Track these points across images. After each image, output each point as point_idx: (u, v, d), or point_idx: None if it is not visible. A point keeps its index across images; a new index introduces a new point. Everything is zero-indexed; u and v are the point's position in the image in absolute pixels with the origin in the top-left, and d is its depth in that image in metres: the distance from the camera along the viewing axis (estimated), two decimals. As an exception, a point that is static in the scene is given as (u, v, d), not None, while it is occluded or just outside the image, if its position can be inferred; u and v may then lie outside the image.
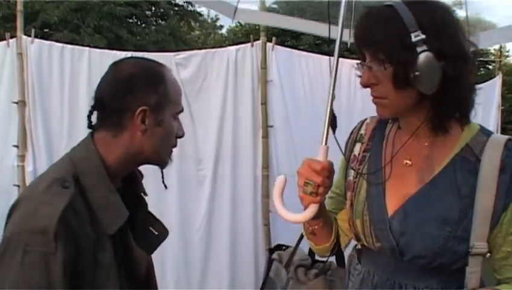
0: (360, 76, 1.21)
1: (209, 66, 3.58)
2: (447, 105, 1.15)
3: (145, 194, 1.43)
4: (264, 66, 3.60)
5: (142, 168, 1.58)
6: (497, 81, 7.33)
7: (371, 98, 1.22)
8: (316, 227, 1.38)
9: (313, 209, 1.23)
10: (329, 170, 1.22)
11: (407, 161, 1.25)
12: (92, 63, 3.41)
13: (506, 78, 23.42)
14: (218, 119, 3.59)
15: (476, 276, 1.14)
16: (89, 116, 1.29)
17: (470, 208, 1.14)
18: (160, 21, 15.67)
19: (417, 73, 1.09)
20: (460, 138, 1.20)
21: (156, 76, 1.26)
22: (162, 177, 1.45)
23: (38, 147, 3.36)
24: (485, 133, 1.20)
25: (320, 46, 13.51)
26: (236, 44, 3.89)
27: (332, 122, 1.28)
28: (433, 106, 1.16)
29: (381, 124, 1.36)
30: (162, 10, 15.85)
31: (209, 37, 22.36)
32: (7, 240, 1.08)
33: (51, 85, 3.38)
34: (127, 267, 1.23)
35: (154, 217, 1.43)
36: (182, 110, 1.35)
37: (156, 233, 1.39)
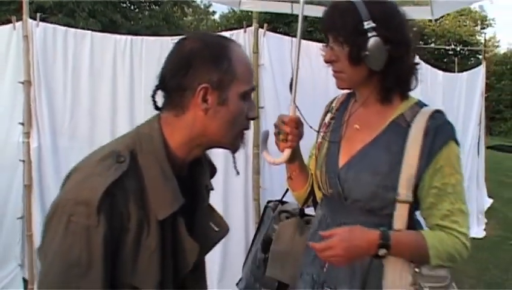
0: (323, 55, 1.54)
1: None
2: (390, 80, 1.48)
3: (212, 188, 1.37)
4: (256, 50, 3.78)
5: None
6: (480, 70, 7.55)
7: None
8: (293, 173, 1.72)
9: (287, 153, 1.61)
10: (296, 121, 1.60)
11: (357, 126, 1.58)
12: (94, 46, 3.58)
13: (496, 68, 23.76)
14: (213, 100, 3.79)
15: (401, 220, 1.43)
16: (153, 97, 1.22)
17: (398, 164, 1.43)
18: (153, 6, 15.71)
19: (367, 53, 1.41)
20: (398, 108, 1.50)
21: (219, 51, 1.15)
22: (234, 162, 1.36)
23: (43, 124, 3.52)
24: (419, 105, 1.50)
25: (312, 33, 13.71)
26: (229, 30, 4.05)
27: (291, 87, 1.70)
28: (380, 80, 1.48)
29: (347, 99, 1.68)
30: (156, -4, 15.92)
31: (201, 23, 22.41)
32: (56, 205, 1.05)
33: (55, 66, 3.53)
34: (175, 256, 1.17)
35: (216, 212, 1.36)
36: (253, 89, 1.22)
37: (216, 229, 1.32)
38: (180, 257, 1.18)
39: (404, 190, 1.42)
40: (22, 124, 3.52)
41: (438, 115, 1.46)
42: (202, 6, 21.60)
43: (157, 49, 3.67)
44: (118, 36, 3.66)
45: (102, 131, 3.62)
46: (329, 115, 1.71)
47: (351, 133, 1.58)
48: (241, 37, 3.79)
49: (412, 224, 1.46)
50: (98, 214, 1.01)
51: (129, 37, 3.63)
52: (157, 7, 15.11)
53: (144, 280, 1.09)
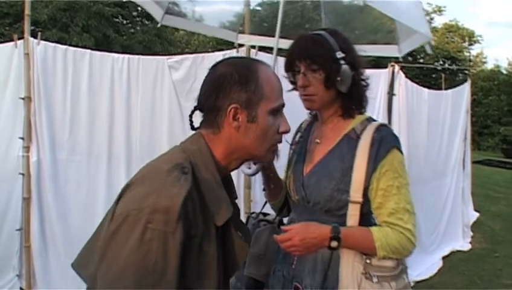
0: (292, 81, 1.83)
1: (198, 68, 3.91)
2: (353, 100, 1.75)
3: (237, 197, 1.46)
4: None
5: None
6: (465, 87, 7.73)
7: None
8: (268, 185, 1.96)
9: (258, 166, 1.88)
10: None
11: (317, 140, 1.83)
12: (93, 64, 3.72)
13: (483, 84, 23.99)
14: (206, 117, 3.94)
15: (354, 218, 1.65)
16: (190, 117, 1.35)
17: (349, 170, 1.65)
18: (146, 21, 15.89)
19: (339, 78, 1.67)
20: (351, 124, 1.75)
21: (247, 73, 1.27)
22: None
23: (42, 138, 3.63)
24: (368, 120, 1.75)
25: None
26: (219, 44, 4.23)
27: None
28: (344, 100, 1.74)
29: (313, 121, 1.94)
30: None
31: (193, 38, 22.58)
32: (124, 216, 1.08)
33: (55, 83, 3.66)
34: (226, 258, 1.27)
35: (241, 221, 1.44)
36: (282, 105, 1.34)
37: (242, 236, 1.37)
38: (231, 259, 1.29)
39: (355, 193, 1.64)
40: (22, 138, 3.63)
41: (382, 128, 1.70)
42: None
43: (153, 68, 3.83)
44: (115, 55, 3.80)
45: (100, 145, 3.75)
46: (299, 134, 1.97)
47: (314, 146, 1.84)
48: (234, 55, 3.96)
49: (367, 223, 1.67)
50: (177, 221, 1.06)
51: (126, 55, 3.78)
52: (149, 22, 15.28)
53: (206, 285, 1.16)
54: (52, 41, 3.87)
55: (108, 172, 3.79)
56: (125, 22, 15.69)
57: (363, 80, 1.77)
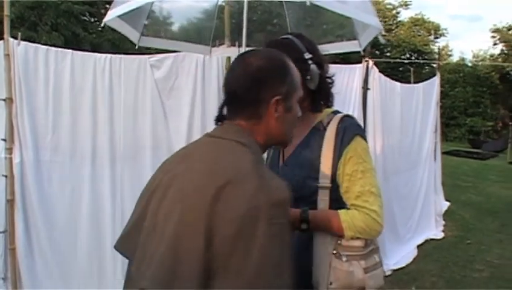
0: None
1: (179, 67, 3.97)
2: (321, 96, 1.92)
3: None
4: (228, 68, 4.00)
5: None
6: (435, 80, 7.94)
7: None
8: None
9: None
10: None
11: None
12: (74, 64, 3.69)
13: (449, 76, 24.44)
14: (188, 115, 3.99)
15: (324, 203, 1.79)
16: (221, 109, 1.42)
17: (317, 159, 1.80)
18: (116, 19, 15.71)
19: (309, 77, 1.84)
20: (319, 117, 1.91)
21: (283, 67, 1.39)
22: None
23: (25, 139, 3.58)
24: (334, 113, 1.92)
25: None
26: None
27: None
28: (312, 97, 1.89)
29: None
30: (117, 8, 15.90)
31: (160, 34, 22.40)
32: (242, 218, 1.08)
33: (37, 84, 3.61)
34: None
35: None
36: (302, 94, 1.50)
37: None
38: None
39: (323, 179, 1.79)
40: (4, 140, 3.58)
41: (346, 118, 1.88)
42: (161, 18, 21.62)
43: (135, 67, 3.86)
44: (97, 55, 3.80)
45: (84, 145, 3.75)
46: None
47: None
48: (214, 61, 4.02)
49: (339, 208, 1.79)
50: (287, 211, 1.15)
51: (108, 55, 3.78)
52: (120, 21, 15.10)
53: (289, 273, 1.16)
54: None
55: (92, 172, 3.79)
56: (93, 20, 15.49)
57: (329, 77, 1.97)
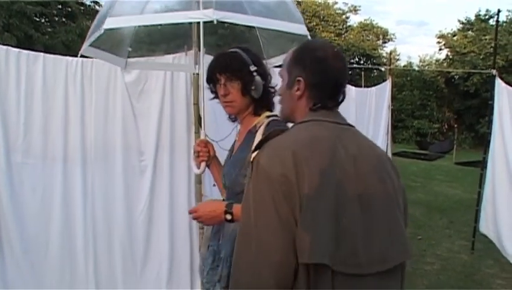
0: (212, 91, 2.32)
1: (149, 71, 4.09)
2: (264, 104, 2.23)
3: None
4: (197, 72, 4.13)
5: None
6: (387, 84, 8.32)
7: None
8: (216, 181, 2.49)
9: (202, 165, 2.43)
10: (204, 142, 2.43)
11: (236, 138, 2.36)
12: (46, 67, 3.72)
13: (397, 80, 25.15)
14: (158, 117, 4.10)
15: None
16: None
17: (248, 157, 2.00)
18: (68, 21, 15.47)
19: (253, 87, 2.15)
20: (255, 121, 2.22)
21: None
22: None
23: None
24: (267, 117, 2.20)
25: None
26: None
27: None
28: (256, 105, 2.22)
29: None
30: (69, 9, 15.68)
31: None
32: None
33: (8, 86, 3.61)
34: None
35: None
36: None
37: None
38: None
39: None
40: (-25, 142, 3.61)
41: (272, 121, 2.14)
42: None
43: (106, 70, 3.95)
44: (69, 58, 3.85)
45: (55, 147, 3.80)
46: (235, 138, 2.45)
47: (235, 144, 2.37)
48: (182, 60, 4.14)
49: None
50: None
51: (80, 59, 3.84)
52: (73, 23, 14.88)
53: None
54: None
55: (64, 174, 3.84)
56: (46, 20, 15.20)
57: (272, 87, 2.26)
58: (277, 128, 1.85)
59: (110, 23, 2.65)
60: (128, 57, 3.57)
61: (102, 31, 2.67)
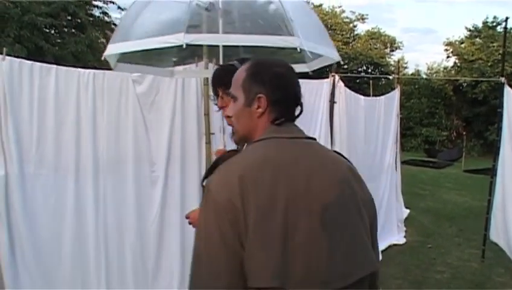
0: (216, 103, 2.32)
1: (160, 82, 4.13)
2: None
3: None
4: (206, 83, 4.16)
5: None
6: (396, 93, 8.31)
7: None
8: None
9: None
10: (222, 151, 2.35)
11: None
12: (59, 79, 3.79)
13: (405, 88, 25.08)
14: (169, 128, 4.16)
15: None
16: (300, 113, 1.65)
17: None
18: (78, 32, 15.59)
19: None
20: None
21: None
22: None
23: (10, 153, 3.63)
24: None
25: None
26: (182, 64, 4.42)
27: None
28: None
29: None
30: (78, 21, 15.80)
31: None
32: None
33: (21, 98, 3.68)
34: None
35: None
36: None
37: None
38: None
39: None
40: (-11, 153, 3.66)
41: None
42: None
43: (117, 83, 4.00)
44: (81, 70, 3.91)
45: (67, 158, 3.85)
46: None
47: None
48: (192, 70, 4.20)
49: None
50: None
51: (92, 71, 3.91)
52: (83, 35, 15.00)
53: None
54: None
55: (76, 184, 3.89)
56: (56, 32, 15.34)
57: None
58: (230, 150, 1.82)
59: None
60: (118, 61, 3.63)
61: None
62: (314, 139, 1.60)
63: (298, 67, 3.82)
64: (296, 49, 2.77)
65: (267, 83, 1.55)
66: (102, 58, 3.05)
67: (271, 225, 1.33)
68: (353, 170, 1.58)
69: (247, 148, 1.58)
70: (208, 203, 1.41)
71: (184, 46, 2.57)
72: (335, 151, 1.69)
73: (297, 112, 1.61)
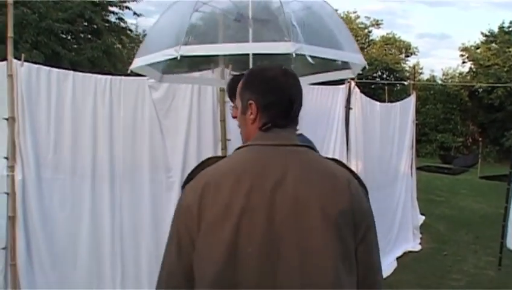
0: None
1: (176, 88, 4.14)
2: None
3: None
4: (222, 88, 4.16)
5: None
6: (411, 99, 8.26)
7: None
8: None
9: None
10: None
11: None
12: (76, 84, 3.83)
13: (420, 94, 24.93)
14: (185, 134, 4.16)
15: None
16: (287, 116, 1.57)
17: None
18: (94, 38, 15.73)
19: None
20: None
21: None
22: None
23: (27, 158, 3.67)
24: None
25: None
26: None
27: None
28: None
29: None
30: (95, 26, 15.94)
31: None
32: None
33: (39, 103, 3.72)
34: None
35: None
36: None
37: None
38: None
39: None
40: (6, 158, 3.65)
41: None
42: (141, 38, 21.74)
43: (134, 88, 4.02)
44: (98, 76, 3.95)
45: (84, 163, 3.88)
46: None
47: None
48: (209, 77, 4.20)
49: None
50: None
51: (109, 77, 3.93)
52: (99, 40, 15.12)
53: None
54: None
55: (92, 189, 3.91)
56: (72, 37, 15.50)
57: None
58: (213, 157, 1.77)
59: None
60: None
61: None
62: (308, 147, 1.53)
63: (341, 74, 3.83)
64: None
65: (256, 89, 1.55)
66: (129, 71, 3.28)
67: (220, 234, 1.34)
68: (348, 179, 1.45)
69: (230, 155, 1.56)
70: (177, 205, 1.49)
71: (178, 58, 2.70)
72: (335, 160, 1.56)
73: (295, 115, 1.56)
